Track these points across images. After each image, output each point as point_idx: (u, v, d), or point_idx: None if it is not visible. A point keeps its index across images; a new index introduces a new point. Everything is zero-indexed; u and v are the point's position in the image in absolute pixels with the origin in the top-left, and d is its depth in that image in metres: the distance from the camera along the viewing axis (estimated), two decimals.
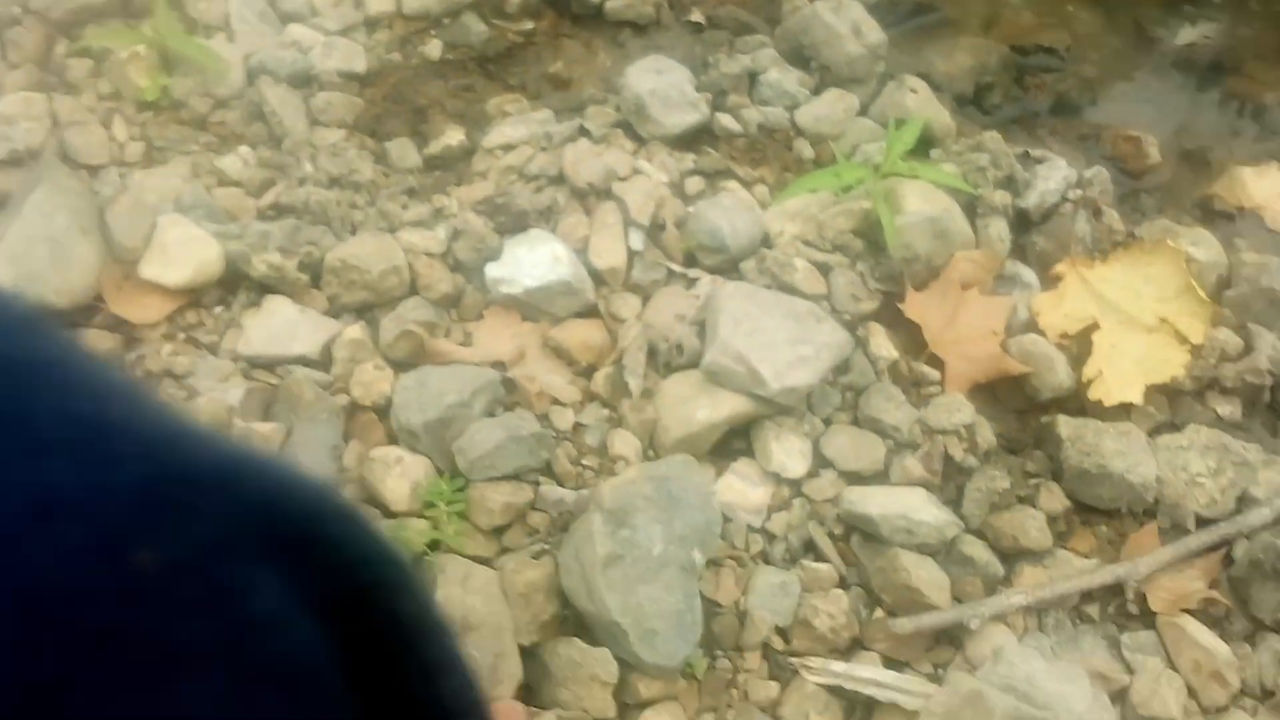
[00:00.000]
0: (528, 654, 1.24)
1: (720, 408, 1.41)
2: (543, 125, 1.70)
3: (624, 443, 1.41)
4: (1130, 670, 1.32)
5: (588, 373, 1.48)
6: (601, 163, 1.61)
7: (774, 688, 1.29)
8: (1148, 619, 1.36)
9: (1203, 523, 1.42)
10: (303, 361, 1.43)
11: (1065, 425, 1.46)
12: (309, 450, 1.34)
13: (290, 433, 1.36)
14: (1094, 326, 1.55)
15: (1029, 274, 1.61)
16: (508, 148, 1.68)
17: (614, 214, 1.57)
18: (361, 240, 1.50)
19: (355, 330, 1.45)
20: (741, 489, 1.40)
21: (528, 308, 1.50)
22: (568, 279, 1.48)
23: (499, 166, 1.65)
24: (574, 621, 1.27)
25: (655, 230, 1.58)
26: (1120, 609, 1.38)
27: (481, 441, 1.32)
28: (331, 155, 1.60)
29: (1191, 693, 1.31)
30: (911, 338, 1.54)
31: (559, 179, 1.62)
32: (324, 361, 1.44)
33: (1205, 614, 1.36)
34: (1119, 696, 1.31)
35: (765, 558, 1.37)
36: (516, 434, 1.33)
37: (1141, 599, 1.37)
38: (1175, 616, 1.34)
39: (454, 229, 1.54)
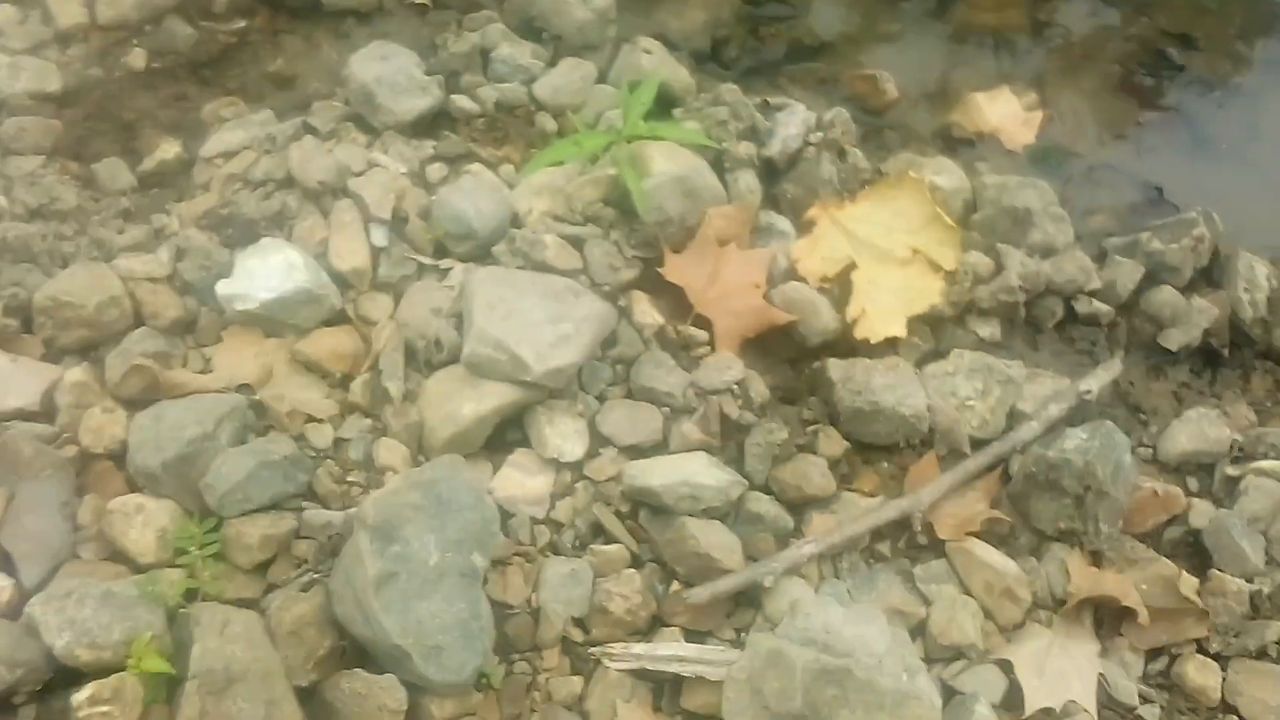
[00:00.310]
0: (307, 695, 1.15)
1: (486, 399, 1.35)
2: (264, 127, 1.60)
3: (391, 452, 1.33)
4: (927, 601, 1.33)
5: (344, 383, 1.39)
6: (333, 159, 1.53)
7: (577, 683, 1.24)
8: (937, 548, 1.37)
9: (977, 445, 1.45)
10: (20, 415, 1.30)
11: (835, 368, 1.46)
12: (37, 512, 1.22)
13: (13, 496, 1.23)
14: (851, 266, 1.56)
15: (783, 222, 1.60)
16: (229, 155, 1.58)
17: (351, 212, 1.49)
18: (73, 274, 1.38)
19: (77, 372, 1.32)
20: (520, 481, 1.35)
21: (269, 323, 1.40)
22: (307, 287, 1.39)
23: (221, 176, 1.55)
24: (354, 651, 1.19)
25: (399, 224, 1.50)
26: (910, 542, 1.38)
27: (230, 474, 1.23)
28: (29, 185, 1.47)
29: (987, 614, 1.33)
30: (675, 301, 1.51)
31: (288, 182, 1.52)
32: (46, 411, 1.32)
33: (990, 534, 1.38)
34: (918, 629, 1.31)
35: (554, 548, 1.32)
36: (268, 459, 1.24)
37: (929, 529, 1.38)
38: (963, 541, 1.36)
39: (177, 248, 1.44)
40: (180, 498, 1.26)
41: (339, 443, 1.35)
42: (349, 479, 1.32)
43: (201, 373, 1.37)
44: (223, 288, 1.39)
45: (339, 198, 1.50)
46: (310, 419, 1.35)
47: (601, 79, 1.74)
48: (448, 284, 1.46)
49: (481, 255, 1.50)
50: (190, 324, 1.41)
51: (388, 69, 1.63)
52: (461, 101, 1.66)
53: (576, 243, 1.50)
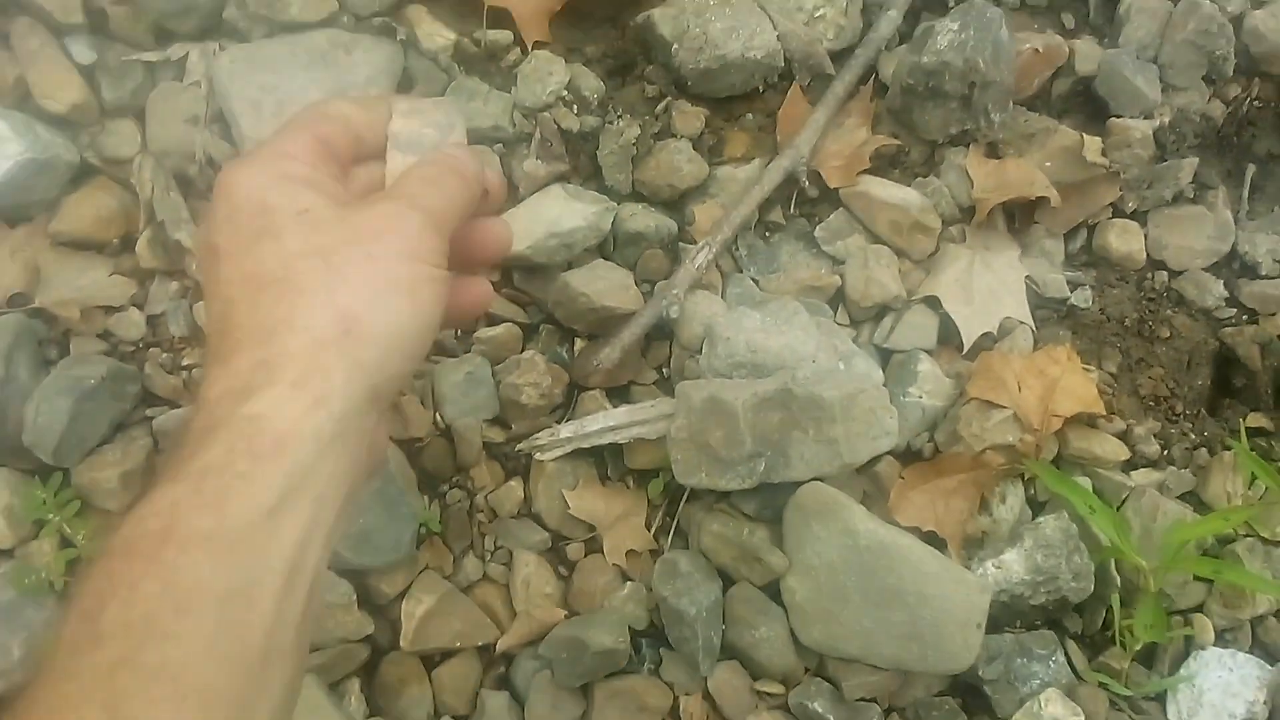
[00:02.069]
0: None
1: None
2: None
3: None
4: (837, 262, 1.26)
5: (127, 248, 1.19)
6: None
7: (516, 487, 1.18)
8: (832, 198, 1.28)
9: (839, 58, 1.31)
10: None
11: (662, 21, 1.27)
12: None
13: None
14: None
15: None
16: None
17: (37, 31, 1.20)
18: None
19: None
20: None
21: (7, 211, 1.17)
22: (29, 155, 1.14)
23: None
24: None
25: (99, 22, 1.22)
26: (802, 199, 1.28)
27: (50, 423, 1.07)
28: None
29: (901, 254, 1.26)
30: (462, 1, 1.29)
31: None
32: None
33: (882, 161, 1.28)
34: (837, 300, 1.25)
35: (440, 349, 1.20)
36: (85, 390, 1.08)
37: (818, 179, 1.27)
38: (856, 185, 1.26)
39: None
40: (9, 461, 1.11)
41: (153, 322, 1.18)
42: (184, 362, 1.16)
43: None
44: None
45: (13, 17, 1.21)
46: (106, 309, 1.17)
47: None
48: (192, 80, 1.22)
49: (213, 26, 1.24)
50: None
51: None
52: None
53: None
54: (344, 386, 0.54)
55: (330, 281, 0.56)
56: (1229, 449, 1.23)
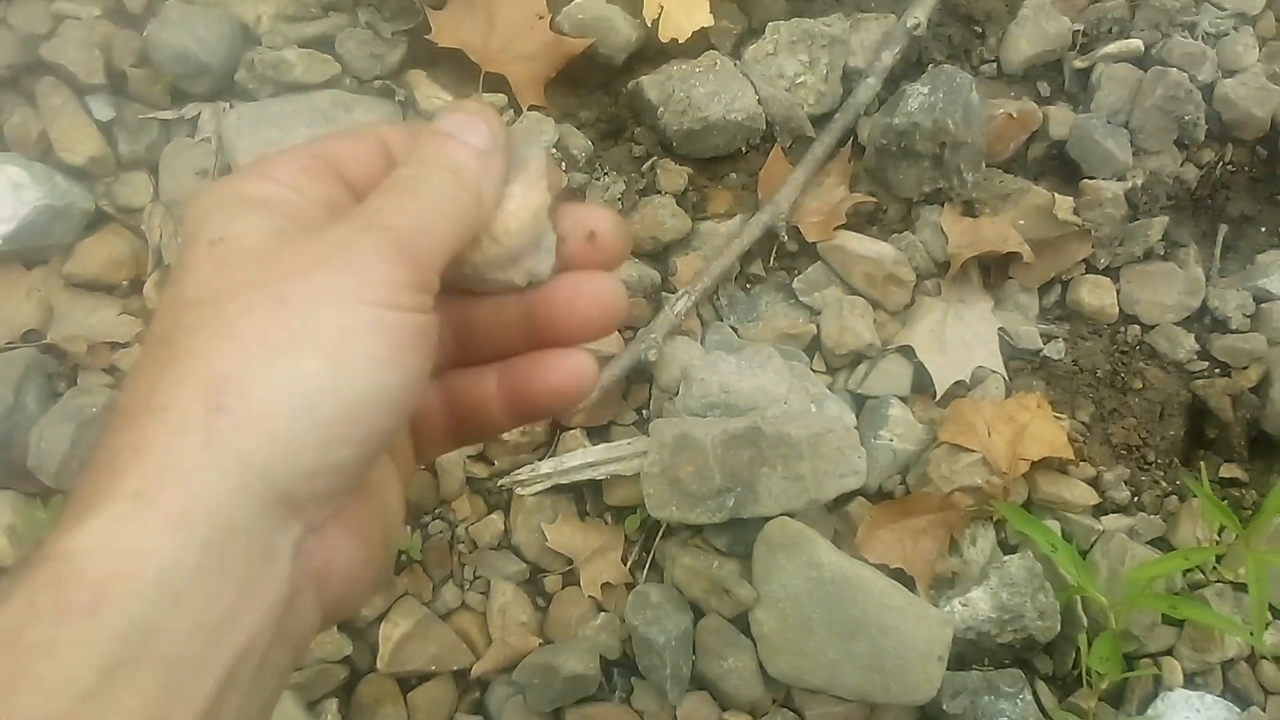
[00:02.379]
0: None
1: None
2: None
3: None
4: (814, 312, 1.31)
5: (135, 291, 1.27)
6: (11, 34, 1.31)
7: (497, 520, 1.23)
8: (810, 252, 1.33)
9: (819, 122, 1.38)
10: None
11: (650, 87, 1.35)
12: None
13: None
14: None
15: None
16: None
17: (60, 90, 1.30)
18: None
19: None
20: None
21: (24, 255, 1.25)
22: (46, 202, 1.23)
23: None
24: None
25: (119, 83, 1.32)
26: (781, 253, 1.34)
27: (52, 448, 1.13)
28: None
29: (876, 305, 1.31)
30: (459, 67, 1.37)
31: None
32: None
33: (858, 218, 1.34)
34: (813, 347, 1.30)
35: None
36: (87, 417, 1.15)
37: (796, 234, 1.33)
38: (833, 239, 1.32)
39: None
40: (14, 484, 1.17)
41: None
42: None
43: None
44: None
45: (38, 76, 1.30)
46: (115, 345, 1.23)
47: None
48: (203, 136, 1.30)
49: (225, 88, 1.33)
50: None
51: None
52: None
53: (324, 42, 1.33)
54: (214, 494, 0.36)
55: (214, 339, 0.39)
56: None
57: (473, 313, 0.49)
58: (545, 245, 0.47)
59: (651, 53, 1.40)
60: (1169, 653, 1.21)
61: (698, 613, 1.19)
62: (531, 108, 1.36)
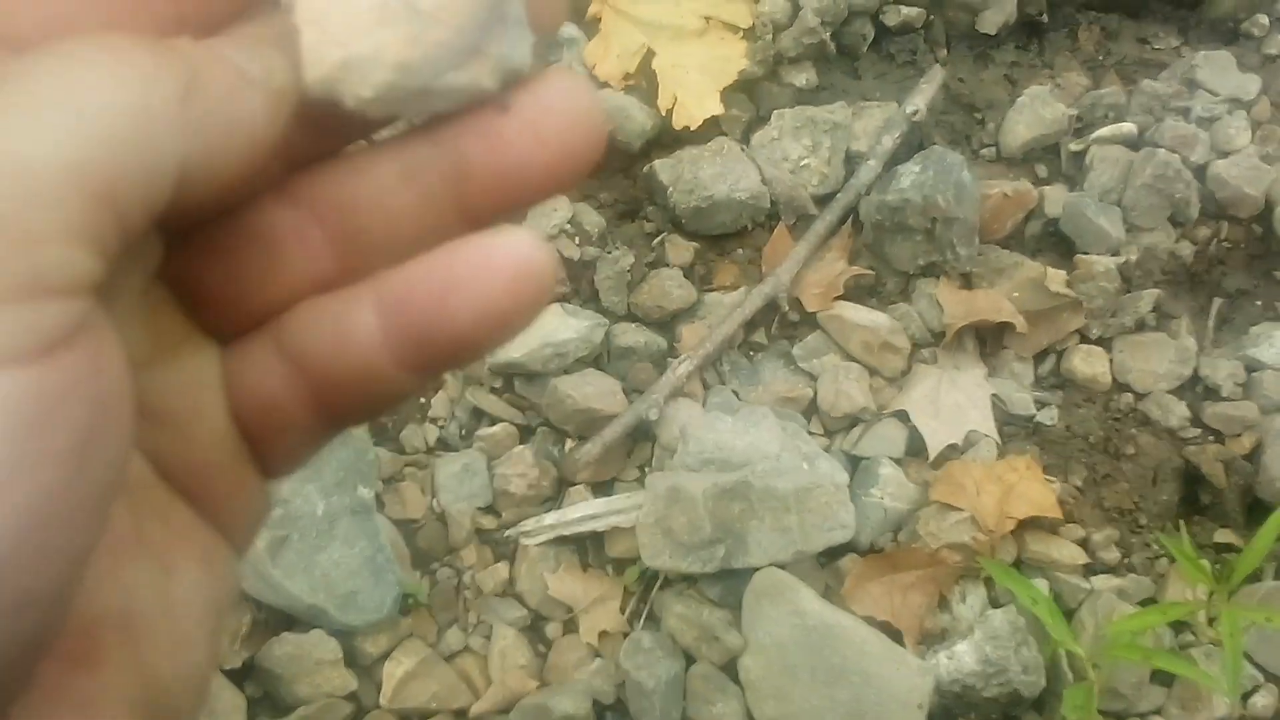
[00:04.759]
0: (245, 673, 1.20)
1: None
2: None
3: None
4: (812, 377, 1.38)
5: None
6: None
7: (502, 569, 1.30)
8: (810, 321, 1.41)
9: (822, 202, 1.46)
10: None
11: (662, 170, 1.45)
12: None
13: None
14: (650, 55, 1.52)
15: (569, 28, 1.56)
16: None
17: None
18: None
19: None
20: None
21: None
22: None
23: None
24: (276, 618, 1.23)
25: None
26: (783, 323, 1.42)
27: None
28: None
29: (873, 372, 1.38)
30: None
31: None
32: None
33: (858, 290, 1.41)
34: (810, 409, 1.36)
35: (444, 444, 1.35)
36: None
37: (797, 305, 1.41)
38: (831, 308, 1.39)
39: None
40: None
41: None
42: None
43: None
44: None
45: None
46: None
47: None
48: None
49: None
50: None
51: None
52: None
53: None
54: None
55: None
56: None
57: (359, 193, 0.28)
58: (514, 11, 0.27)
59: (667, 139, 1.50)
60: (1158, 712, 1.23)
61: (689, 659, 1.24)
62: None
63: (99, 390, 0.22)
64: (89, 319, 0.21)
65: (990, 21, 1.57)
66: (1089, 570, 1.29)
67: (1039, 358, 1.41)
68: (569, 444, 1.35)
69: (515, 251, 0.26)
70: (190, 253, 0.28)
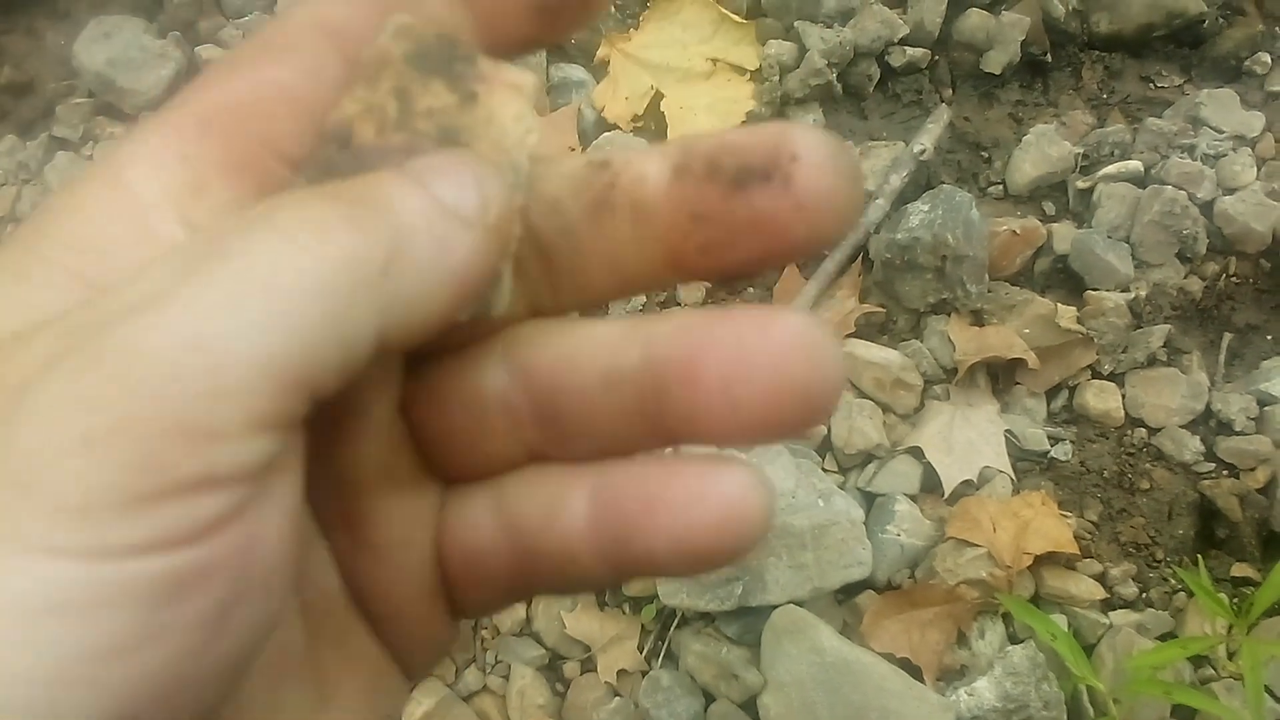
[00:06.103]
0: None
1: None
2: (12, 155, 1.53)
3: None
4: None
5: None
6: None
7: (520, 608, 1.30)
8: None
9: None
10: None
11: None
12: None
13: None
14: (658, 96, 1.54)
15: (577, 71, 1.58)
16: None
17: None
18: None
19: None
20: None
21: None
22: None
23: None
24: None
25: None
26: None
27: None
28: None
29: (886, 409, 1.38)
30: None
31: None
32: None
33: (869, 327, 1.43)
34: (824, 446, 1.37)
35: None
36: None
37: None
38: (843, 345, 1.40)
39: None
40: None
41: None
42: None
43: None
44: None
45: None
46: None
47: None
48: None
49: None
50: None
51: (116, 47, 1.56)
52: (209, 52, 1.60)
53: None
54: None
55: None
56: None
57: (561, 384, 0.28)
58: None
59: None
60: None
61: (708, 697, 1.24)
62: None
63: (244, 565, 0.22)
64: (250, 500, 0.22)
65: (995, 61, 1.59)
66: (1107, 605, 1.29)
67: (1051, 393, 1.42)
68: None
69: (730, 491, 0.25)
70: (419, 393, 0.29)
